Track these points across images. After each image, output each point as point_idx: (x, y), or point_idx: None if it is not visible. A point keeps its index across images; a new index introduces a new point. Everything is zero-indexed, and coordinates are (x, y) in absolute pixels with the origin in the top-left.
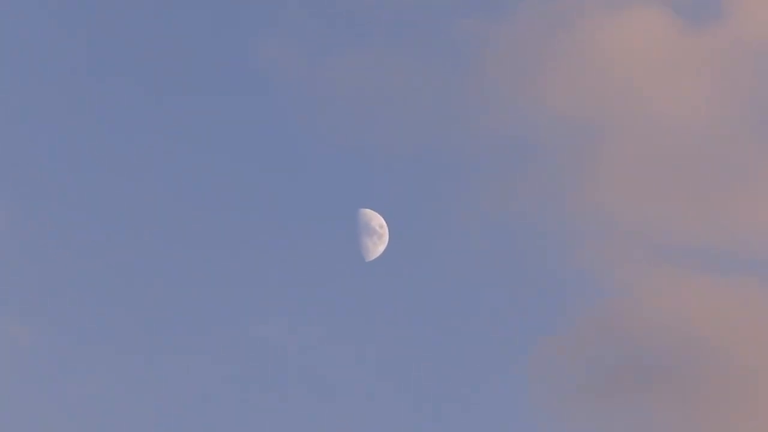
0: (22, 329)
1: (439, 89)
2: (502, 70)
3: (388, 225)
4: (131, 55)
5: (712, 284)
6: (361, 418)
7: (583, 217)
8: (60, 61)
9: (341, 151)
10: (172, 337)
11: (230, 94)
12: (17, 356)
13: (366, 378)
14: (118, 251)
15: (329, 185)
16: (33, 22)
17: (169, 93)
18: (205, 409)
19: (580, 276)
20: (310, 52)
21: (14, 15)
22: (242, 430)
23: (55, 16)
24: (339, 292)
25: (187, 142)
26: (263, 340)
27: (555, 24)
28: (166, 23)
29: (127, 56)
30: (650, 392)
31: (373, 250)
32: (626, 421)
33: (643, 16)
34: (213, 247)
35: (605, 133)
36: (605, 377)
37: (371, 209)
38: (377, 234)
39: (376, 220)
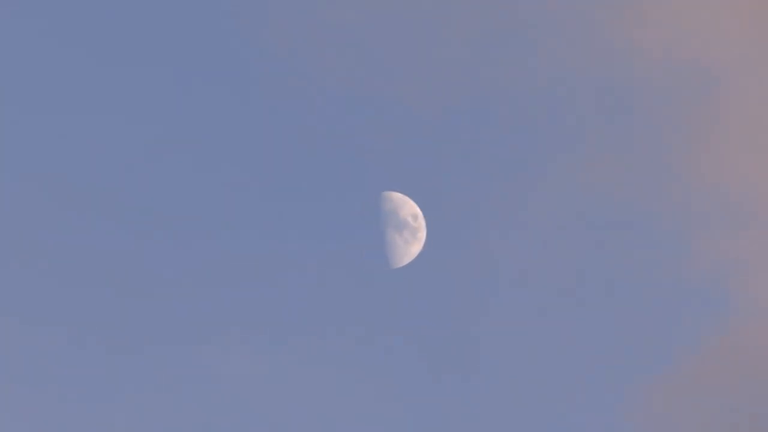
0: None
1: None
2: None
3: (425, 216)
4: None
5: None
6: None
7: (701, 201)
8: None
9: (353, 106)
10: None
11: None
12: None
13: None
14: None
15: (339, 159)
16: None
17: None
18: None
19: (700, 285)
20: None
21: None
22: None
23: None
24: (354, 317)
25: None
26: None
27: None
28: None
29: None
30: None
31: (403, 251)
32: None
33: None
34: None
35: (729, 84)
36: None
37: (400, 193)
38: (410, 228)
39: (407, 208)
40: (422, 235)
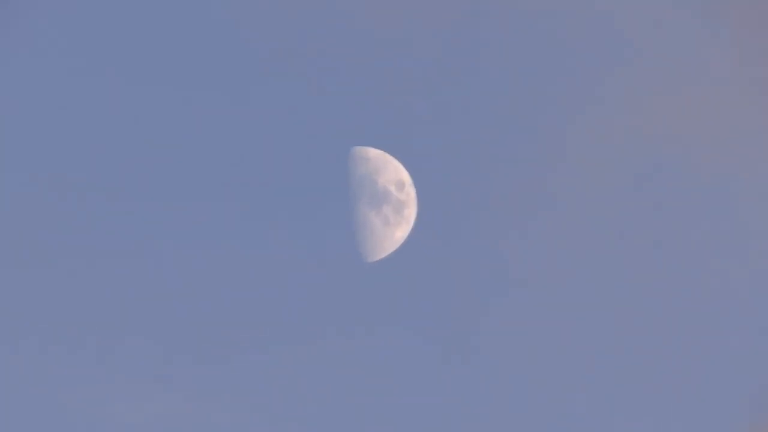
0: None
1: None
2: None
3: (414, 184)
4: None
5: None
6: None
7: None
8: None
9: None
10: None
11: None
12: None
13: None
14: None
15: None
16: None
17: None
18: None
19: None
20: None
21: None
22: None
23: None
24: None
25: None
26: None
27: None
28: None
29: None
30: None
31: (382, 236)
32: None
33: None
34: None
35: None
36: None
37: (382, 150)
38: (393, 202)
39: (390, 171)
40: (410, 212)
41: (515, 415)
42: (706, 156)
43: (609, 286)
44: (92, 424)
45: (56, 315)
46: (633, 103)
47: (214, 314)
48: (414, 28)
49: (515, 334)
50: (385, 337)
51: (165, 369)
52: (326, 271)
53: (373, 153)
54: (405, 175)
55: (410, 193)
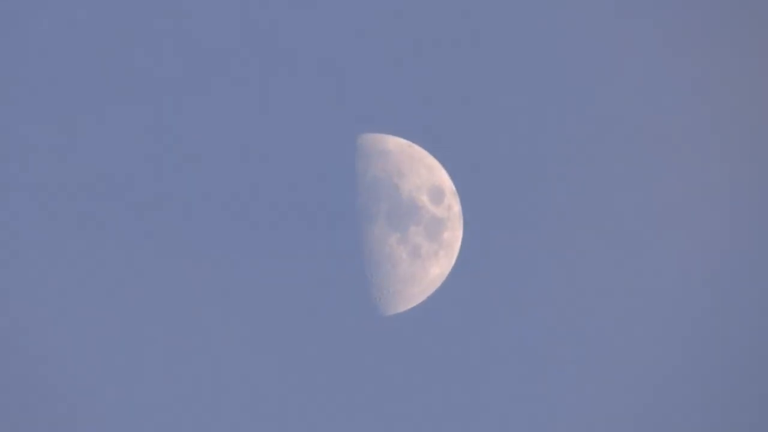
0: None
1: None
2: None
3: (459, 195)
4: None
5: None
6: None
7: None
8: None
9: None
10: None
11: None
12: None
13: None
14: None
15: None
16: None
17: None
18: None
19: None
20: None
21: None
22: None
23: None
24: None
25: None
26: None
27: None
28: None
29: None
30: None
31: (412, 274)
32: None
33: None
34: None
35: None
36: None
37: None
38: (428, 221)
39: (424, 174)
40: (454, 236)
41: None
42: None
43: None
44: None
45: None
46: None
47: None
48: None
49: None
50: None
51: None
52: (323, 332)
53: (395, 143)
54: (444, 179)
55: (453, 206)
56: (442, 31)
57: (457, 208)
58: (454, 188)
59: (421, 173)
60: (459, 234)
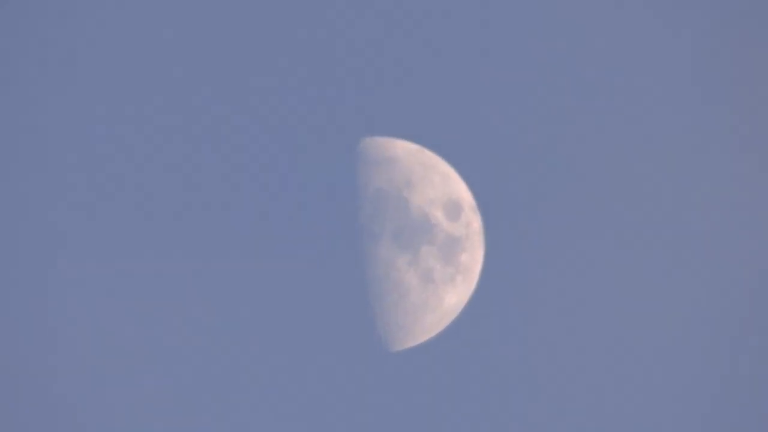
0: None
1: None
2: None
3: (480, 210)
4: None
5: None
6: None
7: None
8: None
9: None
10: None
11: None
12: None
13: None
14: None
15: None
16: None
17: None
18: None
19: None
20: None
21: None
22: None
23: None
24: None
25: None
26: None
27: None
28: None
29: None
30: None
31: (424, 302)
32: None
33: None
34: None
35: None
36: None
37: (417, 143)
38: (442, 240)
39: (438, 185)
40: (472, 258)
41: None
42: None
43: None
44: None
45: None
46: None
47: None
48: None
49: None
50: None
51: None
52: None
53: (403, 148)
54: (462, 190)
55: (472, 222)
56: (455, 21)
57: (477, 224)
58: (473, 201)
59: (434, 183)
60: (479, 256)
